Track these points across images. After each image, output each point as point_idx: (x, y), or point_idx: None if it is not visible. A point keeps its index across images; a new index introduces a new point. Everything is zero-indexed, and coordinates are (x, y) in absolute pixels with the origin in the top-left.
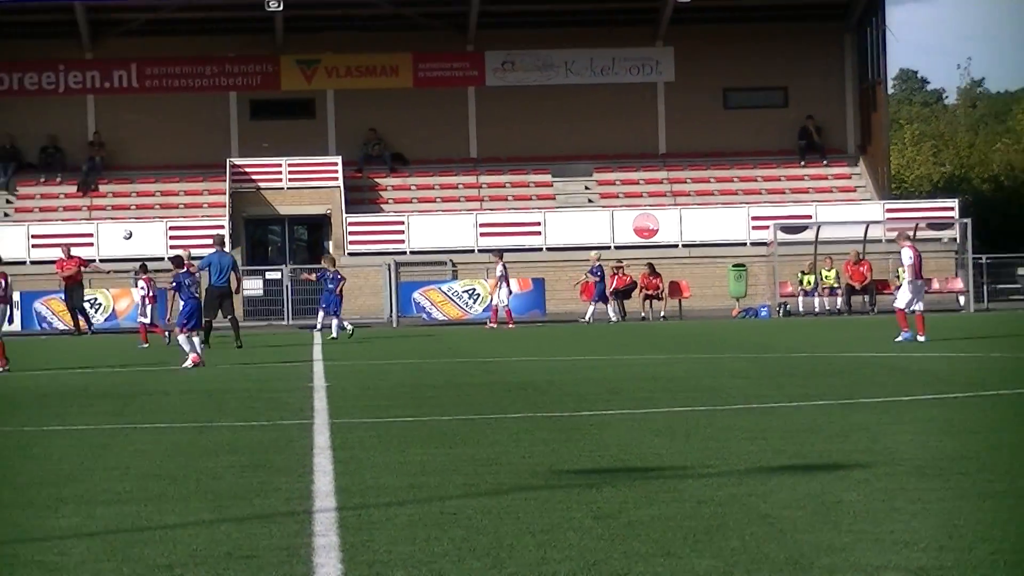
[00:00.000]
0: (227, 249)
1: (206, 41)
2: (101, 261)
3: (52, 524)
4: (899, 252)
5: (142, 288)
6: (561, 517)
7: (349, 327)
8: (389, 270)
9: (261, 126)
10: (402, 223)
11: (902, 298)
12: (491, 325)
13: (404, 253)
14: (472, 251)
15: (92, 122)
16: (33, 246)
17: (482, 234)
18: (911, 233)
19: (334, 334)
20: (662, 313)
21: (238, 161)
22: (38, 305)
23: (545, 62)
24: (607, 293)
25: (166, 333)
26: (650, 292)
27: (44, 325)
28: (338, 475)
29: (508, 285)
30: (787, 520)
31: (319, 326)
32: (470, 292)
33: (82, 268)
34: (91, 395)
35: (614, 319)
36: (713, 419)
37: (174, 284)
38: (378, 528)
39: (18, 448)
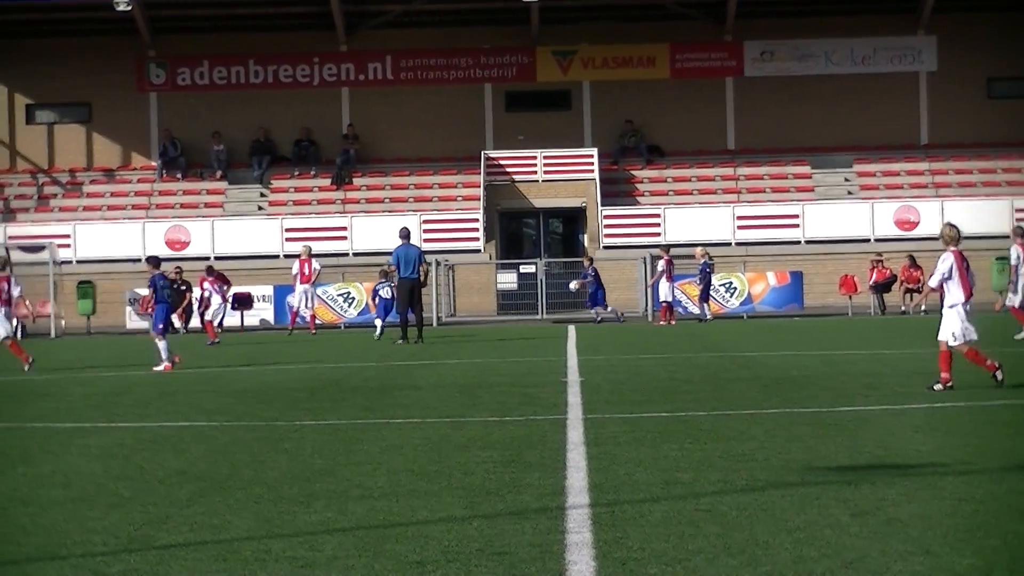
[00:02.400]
0: (412, 241)
1: (461, 33)
2: (354, 255)
3: (303, 519)
4: None
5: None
6: (817, 514)
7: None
8: (645, 263)
9: (516, 118)
10: (658, 216)
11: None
12: (662, 322)
13: (659, 246)
14: (729, 244)
15: (346, 115)
16: (287, 239)
17: (739, 227)
18: None
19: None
20: (923, 307)
21: (493, 153)
22: (291, 299)
23: (804, 52)
24: (874, 285)
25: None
26: (910, 285)
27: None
28: (591, 471)
29: (672, 281)
30: None
31: (599, 318)
32: (727, 286)
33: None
34: (343, 390)
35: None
36: (973, 414)
37: (150, 286)
38: (631, 525)
39: (270, 443)
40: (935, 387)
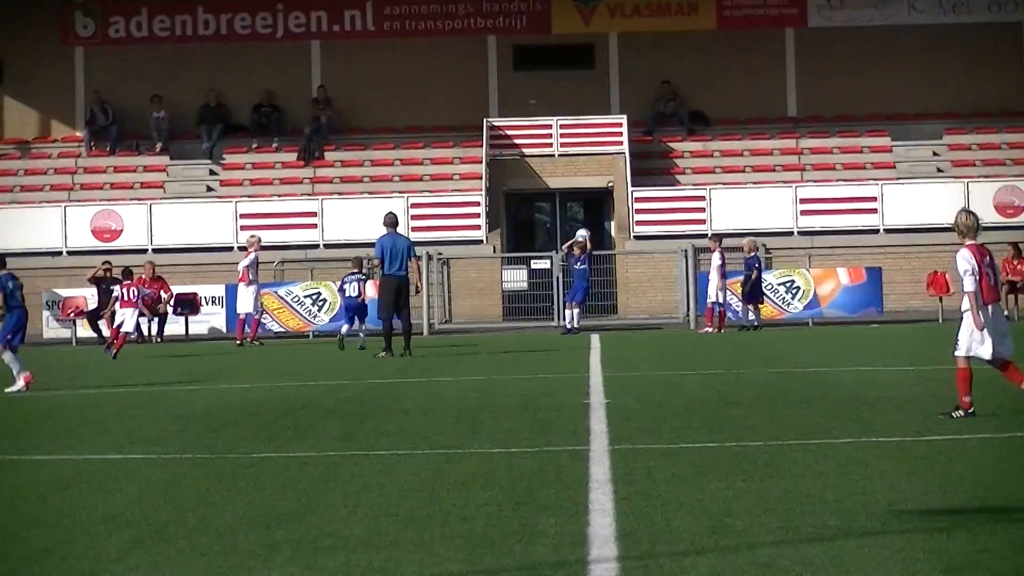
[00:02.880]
0: (399, 230)
1: None
2: (325, 247)
3: (262, 575)
4: None
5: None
6: (902, 570)
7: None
8: (686, 257)
9: (527, 79)
10: (702, 198)
11: None
12: (707, 329)
13: (704, 236)
14: (790, 233)
15: (317, 75)
16: (243, 228)
17: (802, 212)
18: None
19: (571, 324)
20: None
21: (498, 122)
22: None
23: None
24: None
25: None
26: (1016, 280)
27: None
28: (620, 516)
29: (723, 278)
30: None
31: (570, 326)
32: (788, 284)
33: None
34: (312, 414)
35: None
36: None
37: None
38: None
39: (221, 480)
40: (953, 414)
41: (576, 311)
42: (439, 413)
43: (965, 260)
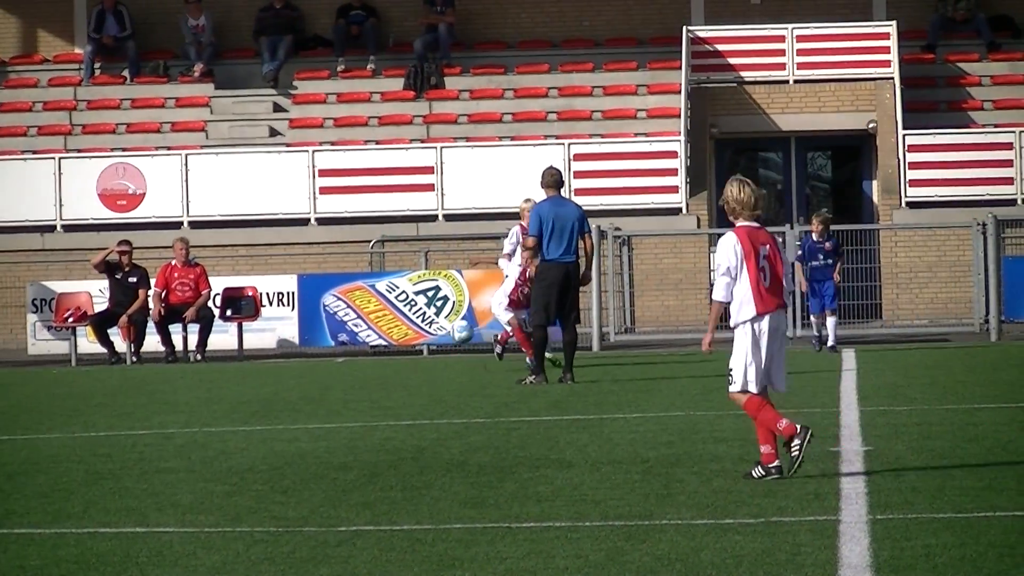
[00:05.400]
0: (565, 194)
1: None
2: (446, 218)
3: None
4: None
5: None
6: None
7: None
8: (984, 233)
9: None
10: (1009, 146)
11: None
12: None
13: (1013, 202)
14: None
15: None
16: (321, 191)
17: None
18: None
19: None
20: None
21: (704, 32)
22: (331, 299)
23: None
24: None
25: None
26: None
27: (344, 336)
28: None
29: None
30: None
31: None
32: None
33: None
34: (430, 466)
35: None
36: None
37: None
38: None
39: (297, 564)
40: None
41: (834, 319)
42: (616, 467)
43: (726, 252)
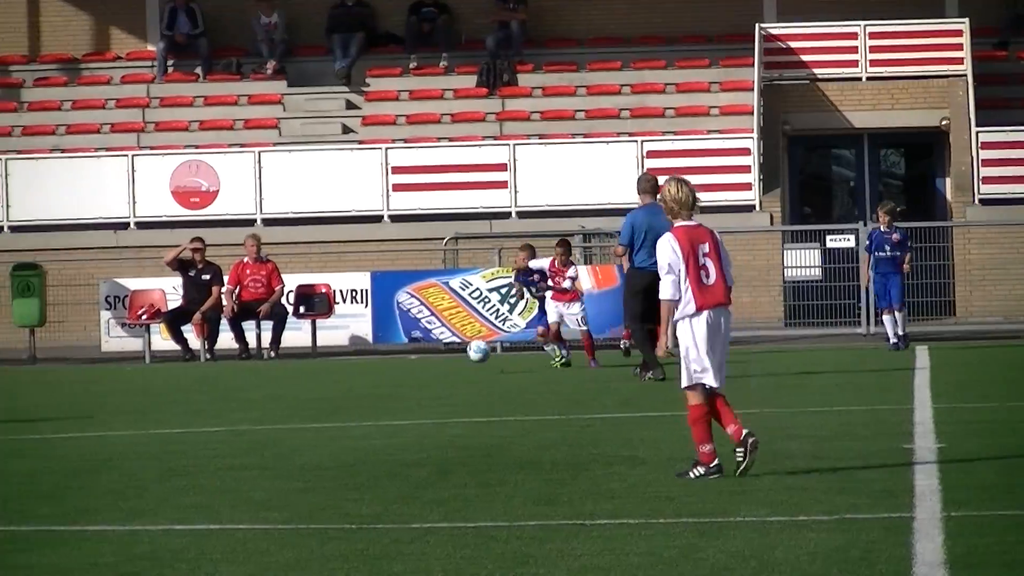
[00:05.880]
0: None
1: None
2: (519, 215)
3: None
4: None
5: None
6: None
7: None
8: None
9: None
10: None
11: None
12: None
13: None
14: None
15: None
16: (394, 188)
17: None
18: None
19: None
20: None
21: (777, 29)
22: (404, 297)
23: None
24: None
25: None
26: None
27: (418, 333)
28: None
29: None
30: None
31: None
32: None
33: None
34: (503, 464)
35: None
36: None
37: None
38: None
39: (370, 561)
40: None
41: (900, 315)
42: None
43: (665, 252)
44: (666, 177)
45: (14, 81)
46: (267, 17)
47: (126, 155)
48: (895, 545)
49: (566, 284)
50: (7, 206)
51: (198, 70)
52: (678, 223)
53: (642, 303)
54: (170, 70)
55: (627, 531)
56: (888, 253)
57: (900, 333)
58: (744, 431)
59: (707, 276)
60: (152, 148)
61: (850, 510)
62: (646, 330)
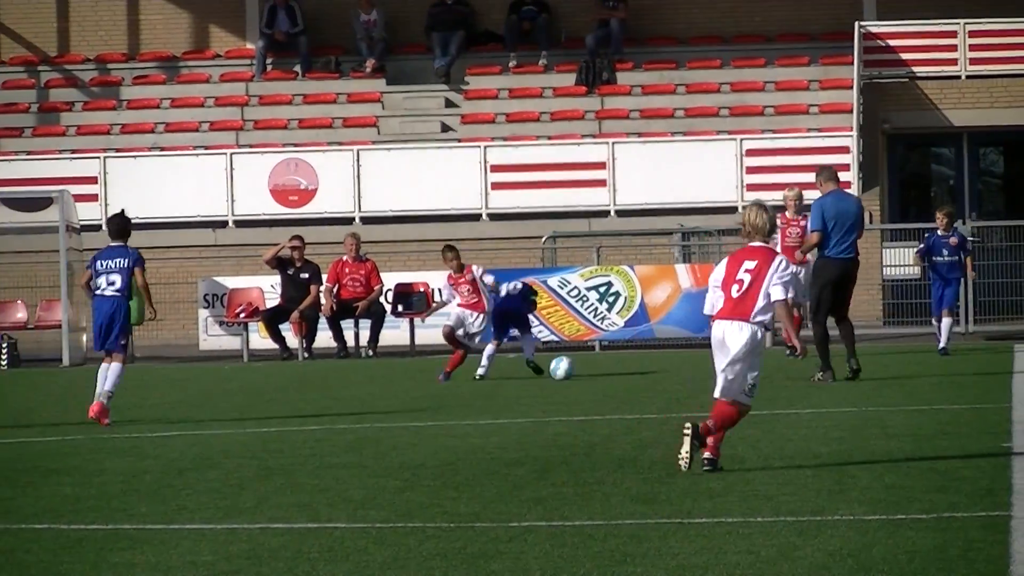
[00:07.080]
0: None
1: None
2: (618, 214)
3: None
4: None
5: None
6: None
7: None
8: None
9: None
10: None
11: None
12: None
13: None
14: None
15: None
16: (492, 186)
17: None
18: None
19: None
20: None
21: (876, 27)
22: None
23: None
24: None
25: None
26: None
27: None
28: None
29: None
30: None
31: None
32: None
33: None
34: (602, 462)
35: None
36: None
37: None
38: None
39: (469, 559)
40: None
41: (949, 320)
42: (788, 463)
43: (715, 270)
44: (747, 202)
45: (113, 79)
46: (367, 15)
47: (225, 153)
48: (993, 544)
49: (488, 280)
50: (105, 204)
51: (297, 68)
52: (749, 244)
53: (831, 296)
54: (269, 68)
55: (725, 530)
56: (946, 257)
57: (945, 338)
58: (716, 455)
59: (738, 290)
60: (251, 146)
61: (948, 509)
62: (823, 329)
